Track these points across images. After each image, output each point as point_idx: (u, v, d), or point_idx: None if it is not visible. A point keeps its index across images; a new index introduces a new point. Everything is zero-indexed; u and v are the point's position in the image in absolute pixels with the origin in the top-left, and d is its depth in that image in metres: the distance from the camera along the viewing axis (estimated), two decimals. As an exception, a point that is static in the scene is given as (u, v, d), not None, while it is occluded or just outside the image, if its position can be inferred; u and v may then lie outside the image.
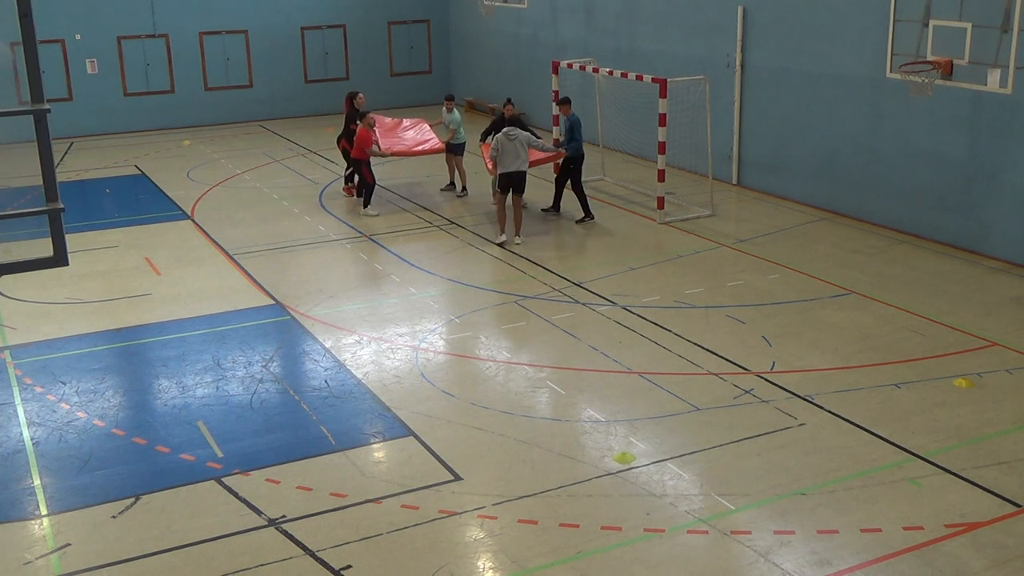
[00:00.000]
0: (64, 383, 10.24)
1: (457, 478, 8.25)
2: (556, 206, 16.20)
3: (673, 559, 7.14)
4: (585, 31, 21.58)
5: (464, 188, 17.48)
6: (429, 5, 27.13)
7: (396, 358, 10.73)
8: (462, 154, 17.45)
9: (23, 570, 7.20)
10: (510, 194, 14.52)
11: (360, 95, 17.20)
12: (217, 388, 10.06)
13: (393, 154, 17.06)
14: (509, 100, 16.59)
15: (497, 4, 24.06)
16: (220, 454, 8.74)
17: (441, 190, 17.75)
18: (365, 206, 16.37)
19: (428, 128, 17.77)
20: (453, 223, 15.93)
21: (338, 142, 17.81)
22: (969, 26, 11.90)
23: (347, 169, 17.58)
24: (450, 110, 17.37)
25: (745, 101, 17.46)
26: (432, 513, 7.74)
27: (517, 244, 14.53)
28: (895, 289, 12.51)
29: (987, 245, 13.66)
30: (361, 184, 16.67)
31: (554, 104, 18.27)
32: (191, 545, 7.42)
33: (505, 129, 14.56)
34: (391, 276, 13.42)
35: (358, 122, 16.63)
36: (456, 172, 17.58)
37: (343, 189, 17.73)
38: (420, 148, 17.34)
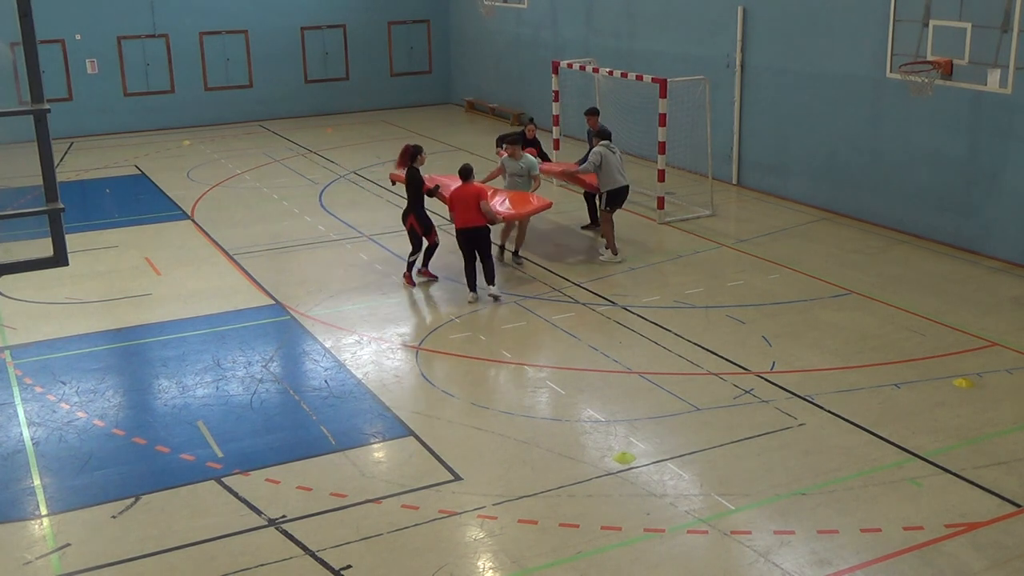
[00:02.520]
0: (64, 383, 10.24)
1: (457, 478, 8.25)
2: (596, 222, 15.02)
3: (673, 559, 7.14)
4: (585, 31, 21.58)
5: (517, 252, 13.78)
6: (429, 5, 27.14)
7: (396, 358, 10.73)
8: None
9: (23, 570, 7.20)
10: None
11: (424, 152, 12.84)
12: (217, 388, 10.06)
13: (507, 219, 12.99)
14: (532, 120, 15.61)
15: (497, 4, 24.07)
16: (220, 454, 8.74)
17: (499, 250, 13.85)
18: (491, 282, 12.29)
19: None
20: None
21: (404, 220, 12.90)
22: (969, 26, 11.90)
23: (414, 254, 12.97)
24: (518, 156, 13.68)
25: (745, 101, 17.46)
26: (432, 513, 7.74)
27: (607, 258, 13.80)
28: (895, 289, 12.51)
29: (987, 245, 13.66)
30: (475, 262, 12.37)
31: (554, 104, 18.29)
32: (191, 545, 7.42)
33: (605, 142, 13.67)
34: (391, 276, 13.41)
35: (421, 178, 12.67)
36: (514, 231, 13.78)
37: (420, 271, 13.08)
38: (531, 208, 13.18)
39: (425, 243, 12.92)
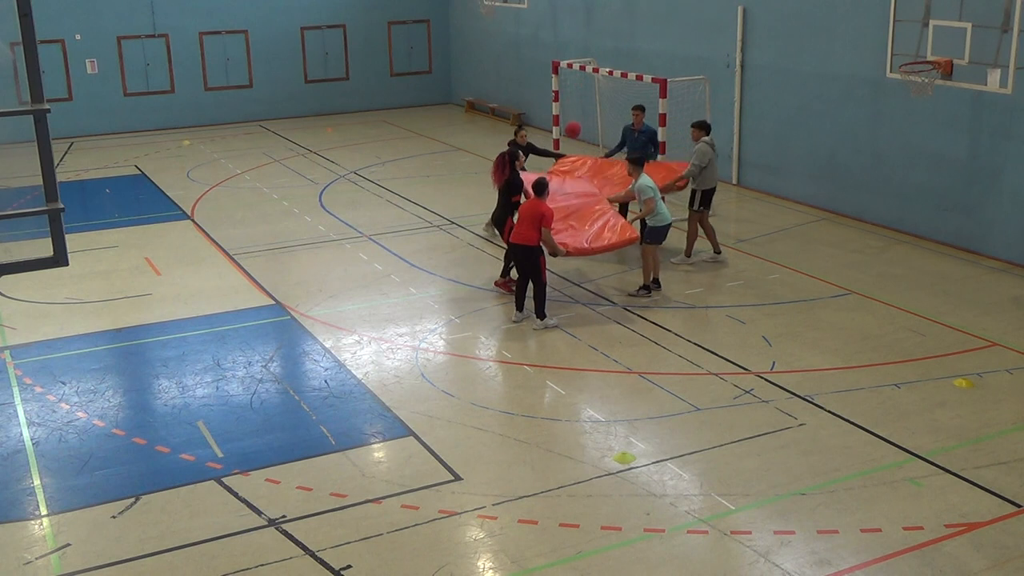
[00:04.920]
0: (64, 383, 10.23)
1: (457, 478, 8.25)
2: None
3: (673, 559, 7.14)
4: (585, 31, 21.58)
5: (657, 281, 12.45)
6: (429, 5, 27.15)
7: (396, 358, 10.73)
8: (661, 241, 12.40)
9: (23, 570, 7.20)
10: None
11: (520, 157, 12.53)
12: (217, 388, 10.06)
13: (571, 253, 11.88)
14: (521, 126, 14.75)
15: (497, 4, 24.07)
16: (220, 454, 8.74)
17: (630, 295, 12.37)
18: (541, 316, 11.37)
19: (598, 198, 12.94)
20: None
21: (500, 224, 12.63)
22: (969, 26, 11.91)
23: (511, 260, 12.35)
24: (635, 177, 12.29)
25: (745, 101, 17.46)
26: (432, 513, 7.74)
27: (679, 260, 13.41)
28: (895, 289, 12.51)
29: (987, 245, 13.66)
30: (526, 283, 11.53)
31: (554, 104, 18.28)
32: (191, 545, 7.42)
33: (708, 137, 13.17)
34: (391, 276, 13.41)
35: (519, 185, 11.94)
36: (652, 264, 12.37)
37: (499, 283, 12.67)
38: (611, 242, 12.03)
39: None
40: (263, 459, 8.63)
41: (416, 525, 7.58)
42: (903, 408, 9.35)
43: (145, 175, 19.88)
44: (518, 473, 8.31)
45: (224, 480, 8.30)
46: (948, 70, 12.26)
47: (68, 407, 9.69)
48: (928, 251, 14.04)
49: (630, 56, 19.78)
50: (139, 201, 18.07)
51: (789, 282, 12.84)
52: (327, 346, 11.06)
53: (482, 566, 7.13)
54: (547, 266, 11.63)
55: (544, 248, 11.35)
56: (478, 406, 9.55)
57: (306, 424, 9.31)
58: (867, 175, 15.33)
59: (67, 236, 4.88)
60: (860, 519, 7.55)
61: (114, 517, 7.81)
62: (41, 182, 4.65)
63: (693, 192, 13.29)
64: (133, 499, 8.05)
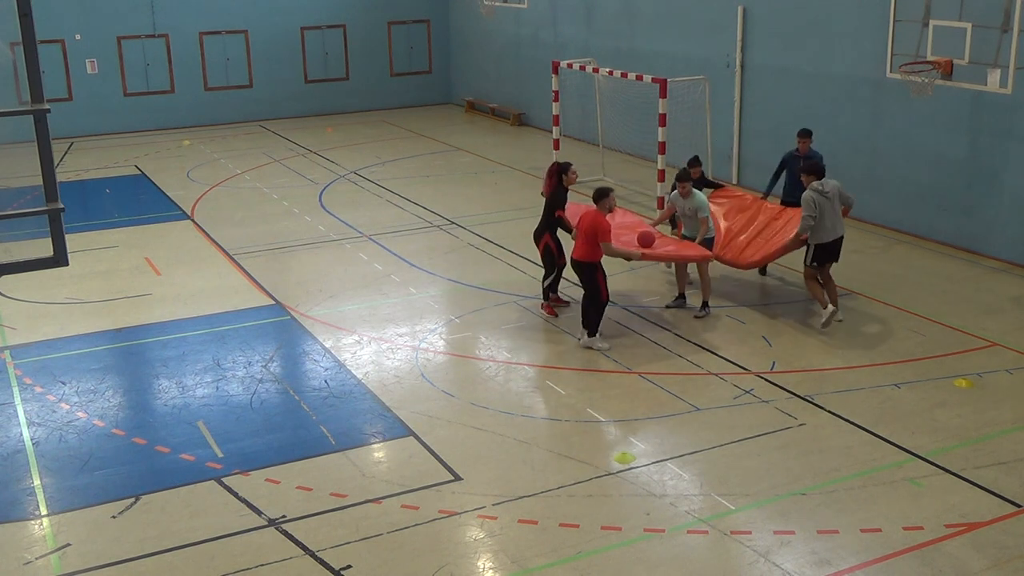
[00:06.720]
0: (64, 383, 10.23)
1: (457, 478, 8.25)
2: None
3: (673, 559, 7.14)
4: (585, 31, 21.58)
5: (706, 304, 11.70)
6: (429, 5, 27.15)
7: (396, 358, 10.73)
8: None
9: (23, 570, 7.19)
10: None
11: (573, 168, 11.66)
12: (217, 388, 10.06)
13: (647, 258, 11.20)
14: (697, 159, 12.60)
15: (497, 4, 24.07)
16: (220, 454, 8.74)
17: (667, 307, 12.03)
18: (592, 333, 10.82)
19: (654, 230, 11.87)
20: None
21: (537, 239, 11.75)
22: (969, 26, 11.91)
23: (547, 278, 11.83)
24: (687, 194, 11.66)
25: (745, 101, 17.46)
26: (432, 513, 7.74)
27: (839, 320, 11.30)
28: (895, 289, 12.51)
29: (987, 245, 13.66)
30: (589, 302, 10.80)
31: (554, 104, 18.27)
32: (191, 545, 7.42)
33: (814, 184, 11.06)
34: (391, 276, 13.41)
35: (563, 200, 11.30)
36: (698, 280, 11.91)
37: (543, 307, 11.92)
38: (686, 253, 11.54)
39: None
40: (263, 459, 8.63)
41: (416, 525, 7.58)
42: (903, 408, 9.35)
43: (145, 175, 19.88)
44: (518, 473, 8.31)
45: (224, 480, 8.30)
46: (948, 70, 12.27)
47: (68, 407, 9.69)
48: (928, 251, 14.04)
49: (630, 56, 19.78)
50: (139, 201, 18.07)
51: (789, 282, 12.83)
52: (327, 346, 11.06)
53: (482, 566, 7.13)
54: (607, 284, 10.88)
55: (603, 267, 10.74)
56: (478, 406, 9.55)
57: (306, 424, 9.31)
58: (867, 175, 15.32)
59: (67, 236, 4.87)
60: (860, 519, 7.55)
61: (114, 517, 7.81)
62: (41, 182, 4.64)
63: (807, 245, 11.31)
64: (133, 499, 8.05)
